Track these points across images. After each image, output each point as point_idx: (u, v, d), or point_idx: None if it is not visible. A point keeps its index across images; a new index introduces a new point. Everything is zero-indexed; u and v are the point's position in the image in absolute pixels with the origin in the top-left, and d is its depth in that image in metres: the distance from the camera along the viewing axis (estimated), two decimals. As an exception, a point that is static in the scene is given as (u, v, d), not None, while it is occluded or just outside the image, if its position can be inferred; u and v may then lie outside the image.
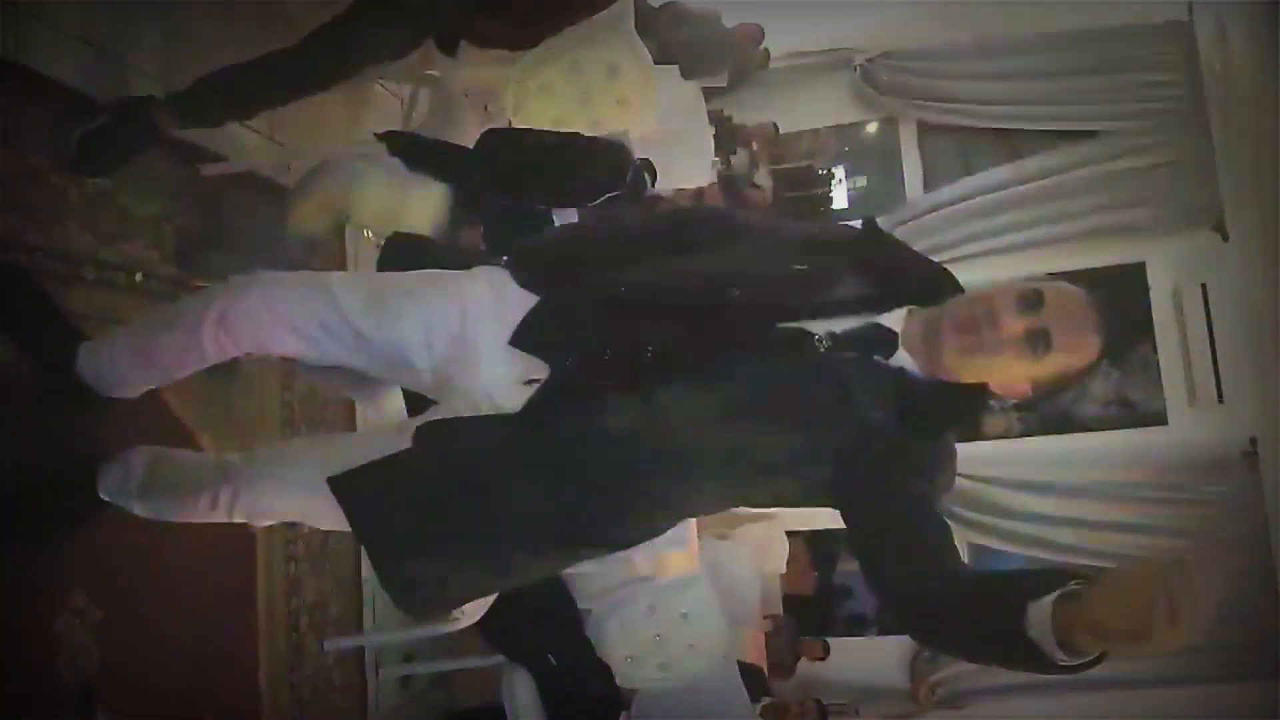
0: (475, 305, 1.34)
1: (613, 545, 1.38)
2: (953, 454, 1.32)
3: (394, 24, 1.96)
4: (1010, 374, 1.23)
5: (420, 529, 1.29)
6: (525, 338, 1.30)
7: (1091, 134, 4.18)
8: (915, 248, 1.46)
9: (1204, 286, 3.99)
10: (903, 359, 1.27)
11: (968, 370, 1.24)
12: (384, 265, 1.48)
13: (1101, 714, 3.98)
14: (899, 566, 1.20)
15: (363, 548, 1.36)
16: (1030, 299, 1.21)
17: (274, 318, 1.36)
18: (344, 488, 1.31)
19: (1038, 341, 1.20)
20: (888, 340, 1.26)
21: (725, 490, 1.35)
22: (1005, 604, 1.05)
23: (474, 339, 1.32)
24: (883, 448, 1.23)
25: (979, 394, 1.27)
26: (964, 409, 1.30)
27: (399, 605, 1.38)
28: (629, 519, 1.33)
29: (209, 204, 2.01)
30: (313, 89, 1.90)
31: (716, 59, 3.98)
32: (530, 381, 1.29)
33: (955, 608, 1.13)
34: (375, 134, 2.09)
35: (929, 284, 1.31)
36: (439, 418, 1.33)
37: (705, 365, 1.25)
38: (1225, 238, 3.97)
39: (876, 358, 1.26)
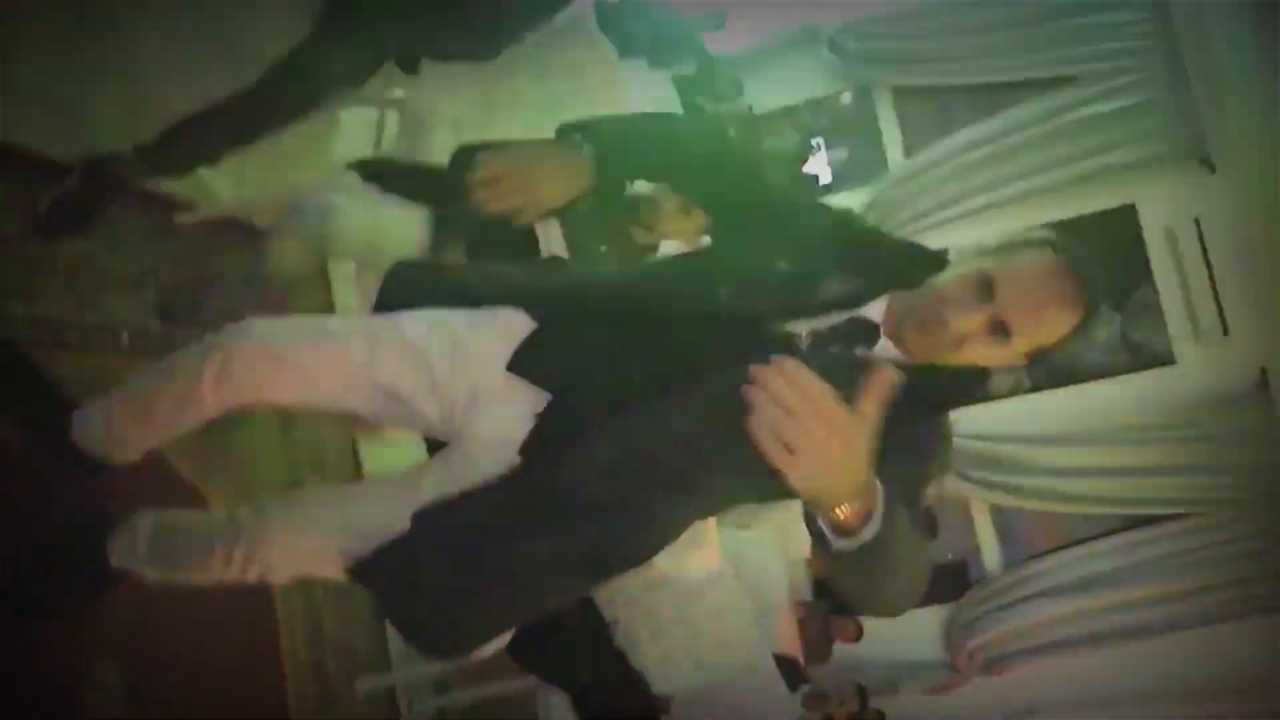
0: (476, 349, 1.35)
1: (636, 563, 1.39)
2: (947, 438, 1.31)
3: (353, 48, 1.96)
4: (984, 359, 1.23)
5: (443, 595, 1.31)
6: (522, 363, 1.31)
7: (1066, 80, 4.17)
8: (901, 214, 1.46)
9: (1197, 221, 3.98)
10: (887, 347, 1.26)
11: (942, 360, 1.24)
12: (384, 302, 1.45)
13: (1142, 665, 3.99)
14: None
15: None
16: (980, 288, 1.19)
17: (275, 367, 1.36)
18: (366, 574, 1.33)
19: (996, 330, 1.19)
20: (869, 332, 1.26)
21: (735, 492, 1.37)
22: None
23: (477, 379, 1.33)
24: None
25: (969, 371, 1.26)
26: (957, 389, 1.29)
27: (425, 655, 1.39)
28: (646, 538, 1.34)
29: (188, 254, 2.00)
30: (280, 124, 1.90)
31: (681, 49, 3.96)
32: (537, 413, 1.30)
33: None
34: (347, 163, 2.09)
35: (908, 266, 1.30)
36: (435, 498, 1.32)
37: (690, 380, 1.24)
38: (1212, 170, 3.96)
39: (859, 350, 1.25)
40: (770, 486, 1.36)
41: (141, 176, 1.79)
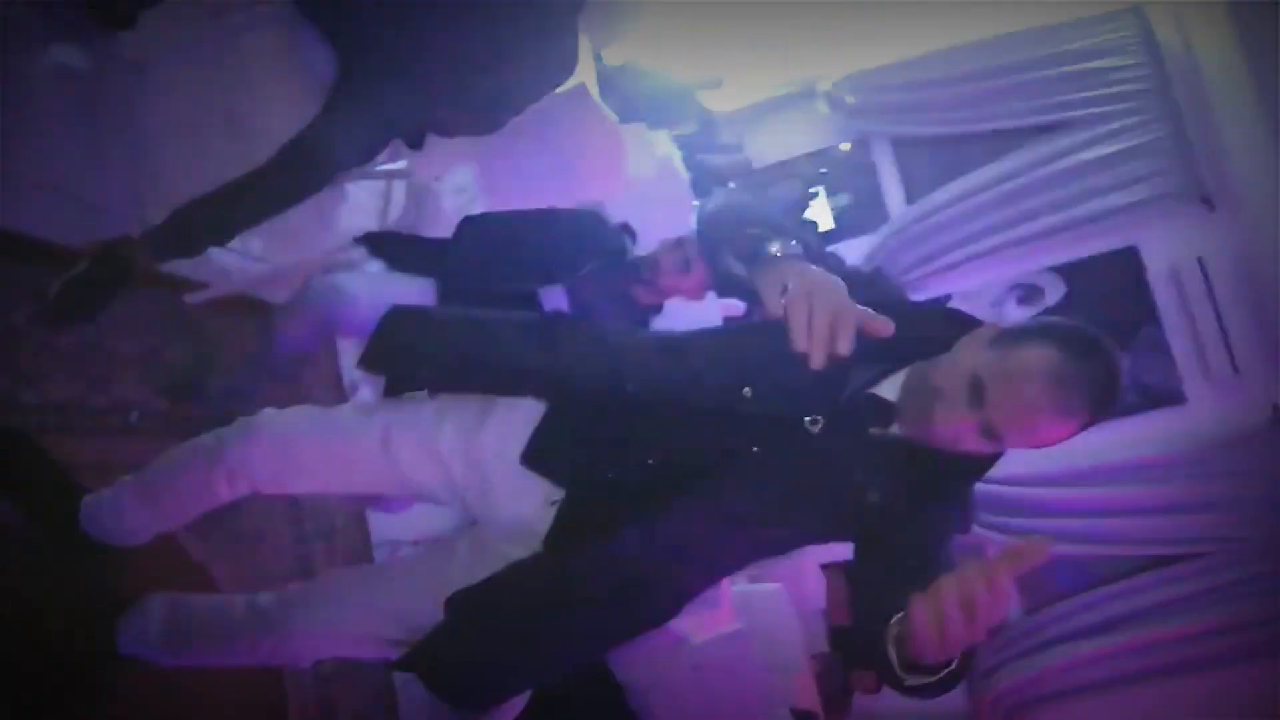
0: (489, 440, 1.34)
1: (663, 623, 1.39)
2: (968, 504, 1.28)
3: (361, 127, 1.97)
4: (983, 450, 1.17)
5: (482, 669, 1.33)
6: (535, 457, 1.30)
7: (1065, 125, 4.18)
8: (905, 259, 1.43)
9: (1200, 260, 3.96)
10: (899, 427, 1.21)
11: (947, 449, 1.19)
12: (378, 352, 1.41)
13: (1165, 706, 3.89)
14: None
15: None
16: (972, 392, 1.13)
17: (288, 464, 1.37)
18: (417, 666, 1.34)
19: (987, 434, 1.13)
20: (885, 411, 1.21)
21: (751, 559, 1.41)
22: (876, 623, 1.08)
23: (489, 470, 1.33)
24: (895, 516, 1.20)
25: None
26: (972, 470, 1.24)
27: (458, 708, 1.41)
28: (664, 608, 1.36)
29: (196, 332, 2.00)
30: (288, 204, 1.90)
31: (680, 109, 4.00)
32: (555, 502, 1.29)
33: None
34: (355, 239, 2.09)
35: (933, 335, 1.24)
36: (460, 580, 1.32)
37: (704, 471, 1.24)
38: (1212, 208, 3.95)
39: (873, 430, 1.22)
40: (791, 548, 1.38)
41: (151, 260, 1.79)
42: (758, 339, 1.31)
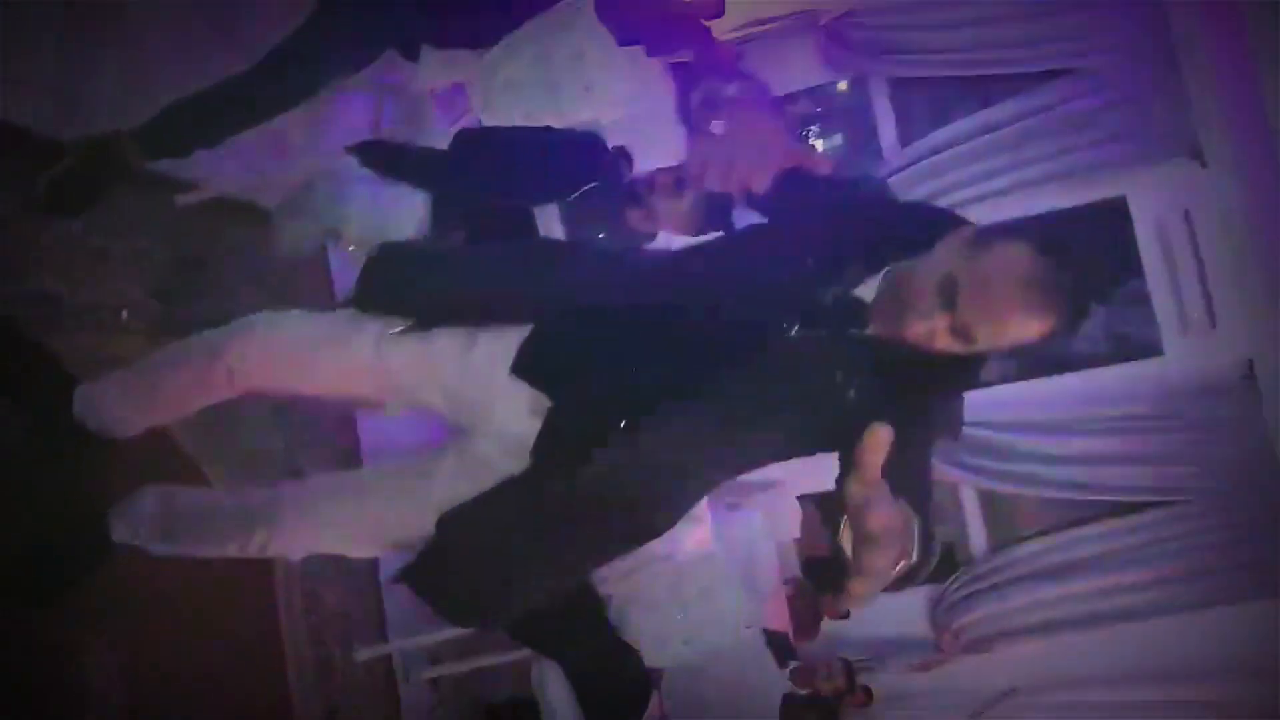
0: (479, 347, 1.34)
1: (653, 538, 1.41)
2: (954, 404, 1.29)
3: (355, 34, 1.93)
4: (959, 350, 1.17)
5: (477, 585, 1.37)
6: (524, 366, 1.31)
7: (1060, 73, 4.13)
8: None
9: (1187, 214, 3.95)
10: (875, 328, 1.22)
11: (924, 348, 1.19)
12: (368, 291, 1.42)
13: (1124, 647, 3.99)
14: None
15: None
16: (945, 292, 1.13)
17: (287, 361, 1.38)
18: (413, 580, 1.36)
19: (959, 334, 1.14)
20: (860, 311, 1.22)
21: (735, 471, 1.42)
22: None
23: (481, 380, 1.33)
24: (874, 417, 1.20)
25: (959, 359, 1.20)
26: (949, 372, 1.24)
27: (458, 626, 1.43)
28: (651, 523, 1.38)
29: (186, 234, 1.98)
30: (280, 108, 1.87)
31: (679, 37, 3.91)
32: (541, 411, 1.30)
33: None
34: (346, 147, 2.06)
35: (916, 235, 1.23)
36: (456, 507, 1.33)
37: (688, 380, 1.24)
38: (1204, 164, 3.92)
39: (851, 331, 1.22)
40: (775, 457, 1.39)
41: (139, 158, 1.77)
42: (738, 249, 1.31)
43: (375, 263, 1.39)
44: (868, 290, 1.23)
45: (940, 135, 4.22)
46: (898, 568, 0.95)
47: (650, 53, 3.51)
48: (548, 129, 2.07)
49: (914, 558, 0.99)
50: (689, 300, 1.28)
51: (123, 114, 1.84)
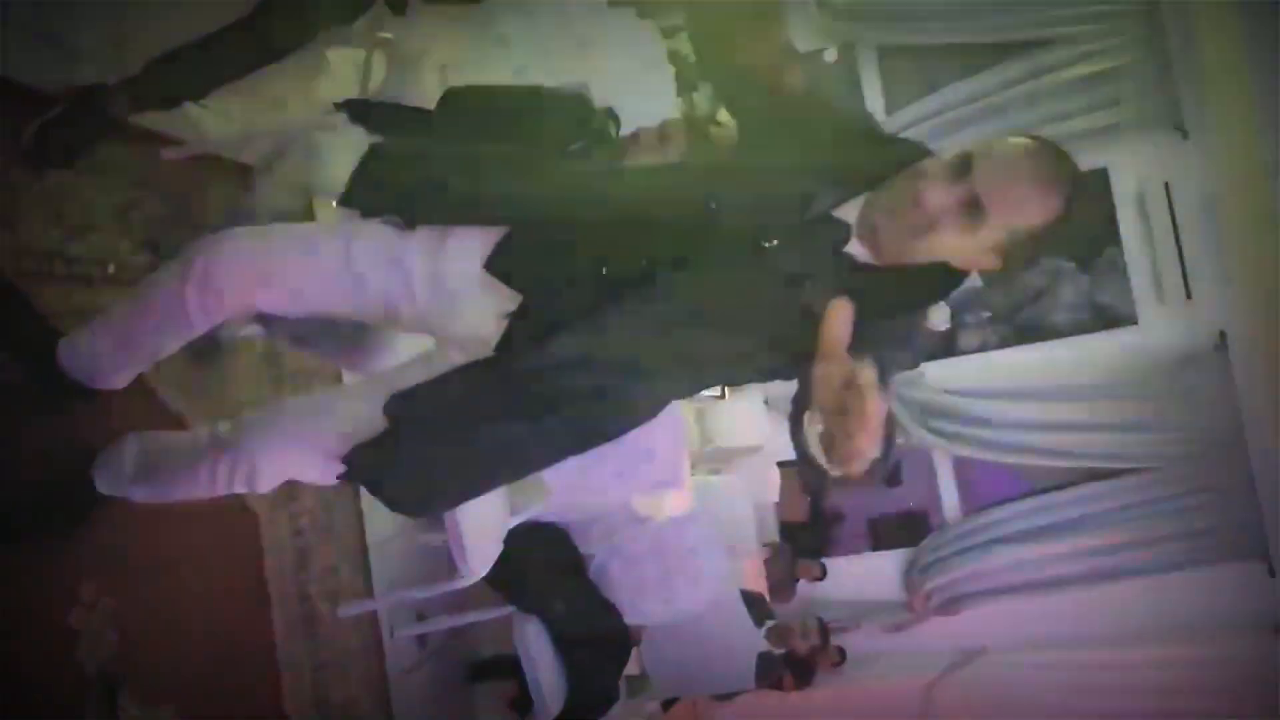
0: (452, 247, 1.33)
1: (605, 441, 1.41)
2: (914, 333, 1.29)
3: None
4: (956, 249, 1.18)
5: (422, 465, 1.35)
6: (498, 263, 1.31)
7: (1046, 43, 4.13)
8: None
9: (1167, 186, 3.99)
10: (856, 249, 1.24)
11: (912, 254, 1.20)
12: (359, 188, 1.40)
13: (1091, 609, 4.09)
14: None
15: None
16: (957, 166, 1.15)
17: (256, 269, 1.34)
18: (356, 467, 1.35)
19: (971, 210, 1.15)
20: (840, 231, 1.23)
21: (699, 382, 1.45)
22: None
23: (448, 282, 1.33)
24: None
25: (937, 272, 1.22)
26: (922, 290, 1.25)
27: (401, 514, 1.48)
28: (606, 423, 1.38)
29: (174, 188, 1.96)
30: (267, 60, 1.85)
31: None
32: (509, 314, 1.30)
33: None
34: (334, 103, 2.04)
35: (890, 162, 1.25)
36: (407, 386, 1.34)
37: (655, 280, 1.25)
38: (1185, 136, 3.96)
39: (832, 249, 1.23)
40: (739, 374, 1.40)
41: (126, 109, 1.74)
42: (721, 165, 1.32)
43: (369, 159, 1.38)
44: (847, 211, 1.24)
45: (926, 104, 4.22)
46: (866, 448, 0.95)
47: (640, 15, 3.48)
48: (535, 87, 2.05)
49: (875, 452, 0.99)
50: (667, 208, 1.29)
51: (110, 64, 1.81)
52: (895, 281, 1.23)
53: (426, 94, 2.23)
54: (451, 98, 2.04)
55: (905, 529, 4.71)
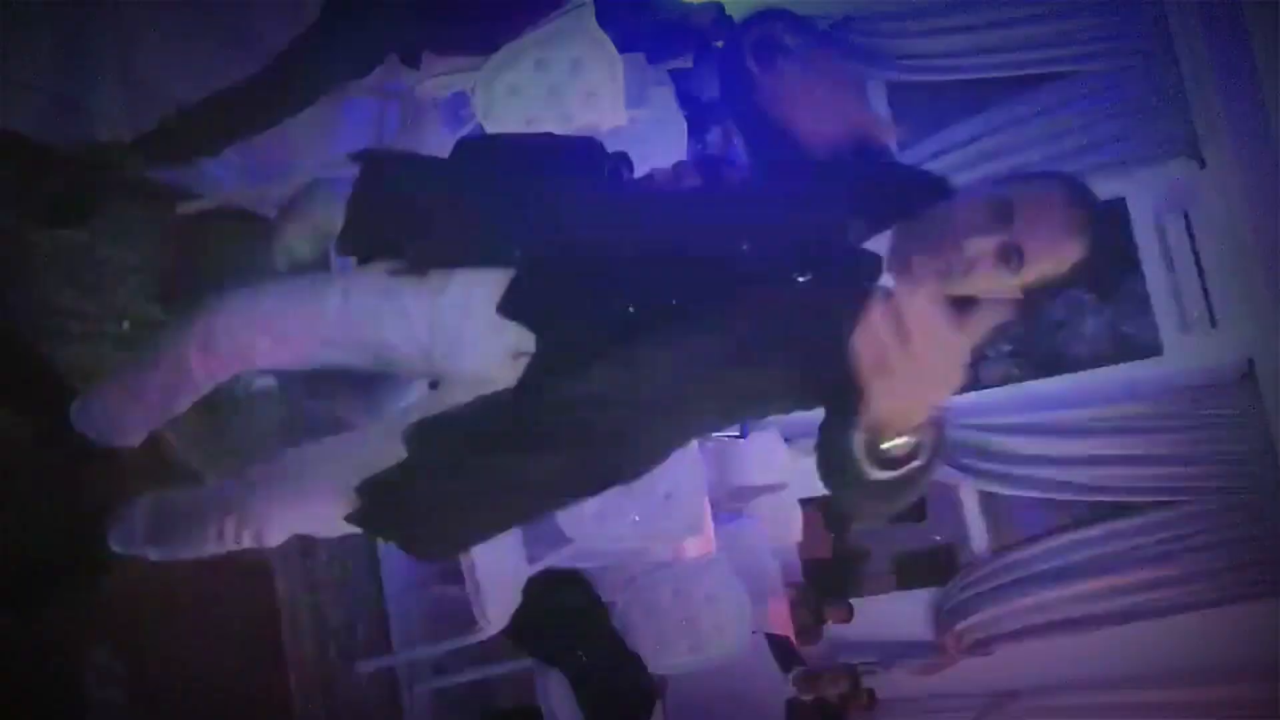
0: (450, 293, 1.30)
1: (624, 481, 1.36)
2: None
3: (356, 41, 1.91)
4: (987, 290, 1.18)
5: (434, 506, 1.31)
6: (512, 304, 1.27)
7: (1058, 76, 4.12)
8: None
9: (1186, 215, 3.94)
10: (888, 282, 1.21)
11: (948, 291, 1.17)
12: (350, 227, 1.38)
13: (1121, 648, 3.97)
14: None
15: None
16: (998, 212, 1.15)
17: (256, 328, 1.33)
18: (364, 517, 1.31)
19: (1011, 257, 1.15)
20: (871, 266, 1.21)
21: (725, 418, 1.41)
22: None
23: (454, 325, 1.29)
24: None
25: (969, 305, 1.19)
26: None
27: (415, 559, 1.43)
28: (629, 461, 1.33)
29: (190, 243, 1.96)
30: (281, 115, 1.85)
31: (680, 43, 3.90)
32: (520, 355, 1.26)
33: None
34: (349, 155, 2.04)
35: (914, 195, 1.25)
36: (426, 416, 1.30)
37: (685, 317, 1.22)
38: (1202, 164, 3.91)
39: (864, 284, 1.20)
40: (767, 409, 1.36)
41: (141, 167, 1.75)
42: (750, 195, 1.29)
43: (359, 202, 1.35)
44: (878, 246, 1.22)
45: (938, 140, 4.21)
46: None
47: (651, 61, 3.50)
48: (548, 135, 2.04)
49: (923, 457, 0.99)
50: (693, 240, 1.26)
51: (125, 121, 1.82)
52: None
53: (440, 143, 2.23)
54: (465, 147, 2.03)
55: (932, 565, 4.61)
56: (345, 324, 1.31)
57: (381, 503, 1.30)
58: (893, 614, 4.32)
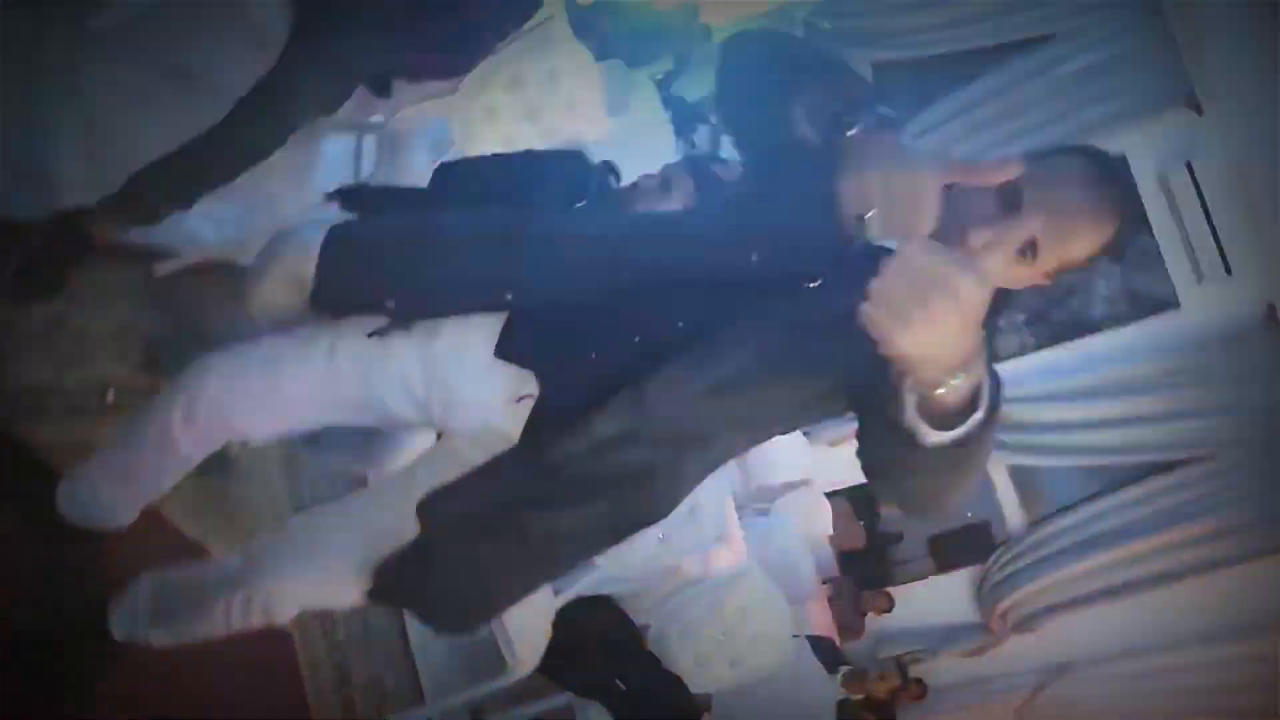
0: (441, 341, 1.20)
1: (654, 521, 1.25)
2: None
3: (322, 74, 1.82)
4: (1004, 279, 1.08)
5: (458, 579, 1.21)
6: (508, 347, 1.17)
7: (1044, 39, 3.99)
8: None
9: (1189, 165, 3.80)
10: None
11: None
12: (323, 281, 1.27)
13: (1164, 612, 3.85)
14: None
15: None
16: (1008, 199, 1.04)
17: (238, 399, 1.24)
18: (384, 593, 1.21)
19: (1025, 251, 1.05)
20: (882, 262, 1.10)
21: (753, 439, 1.28)
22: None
23: (448, 373, 1.20)
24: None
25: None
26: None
27: (445, 637, 1.28)
28: (664, 497, 1.22)
29: (170, 303, 1.86)
30: (251, 159, 1.75)
31: (657, 45, 3.81)
32: (522, 398, 1.16)
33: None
34: (325, 194, 1.94)
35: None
36: (436, 487, 1.19)
37: (695, 342, 1.12)
38: (1200, 112, 3.77)
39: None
40: (792, 424, 1.25)
41: (112, 230, 1.65)
42: (759, 202, 1.17)
43: (330, 249, 1.24)
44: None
45: (928, 116, 4.09)
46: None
47: (630, 65, 3.40)
48: (530, 152, 1.94)
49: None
50: (694, 257, 1.16)
51: (90, 185, 1.72)
52: None
53: (420, 174, 2.13)
54: (444, 172, 1.94)
55: (968, 544, 4.48)
56: (335, 384, 1.22)
57: (400, 577, 1.20)
58: (934, 598, 4.21)
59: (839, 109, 1.11)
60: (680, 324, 1.13)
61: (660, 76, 4.03)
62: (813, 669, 2.89)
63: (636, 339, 1.14)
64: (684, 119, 4.01)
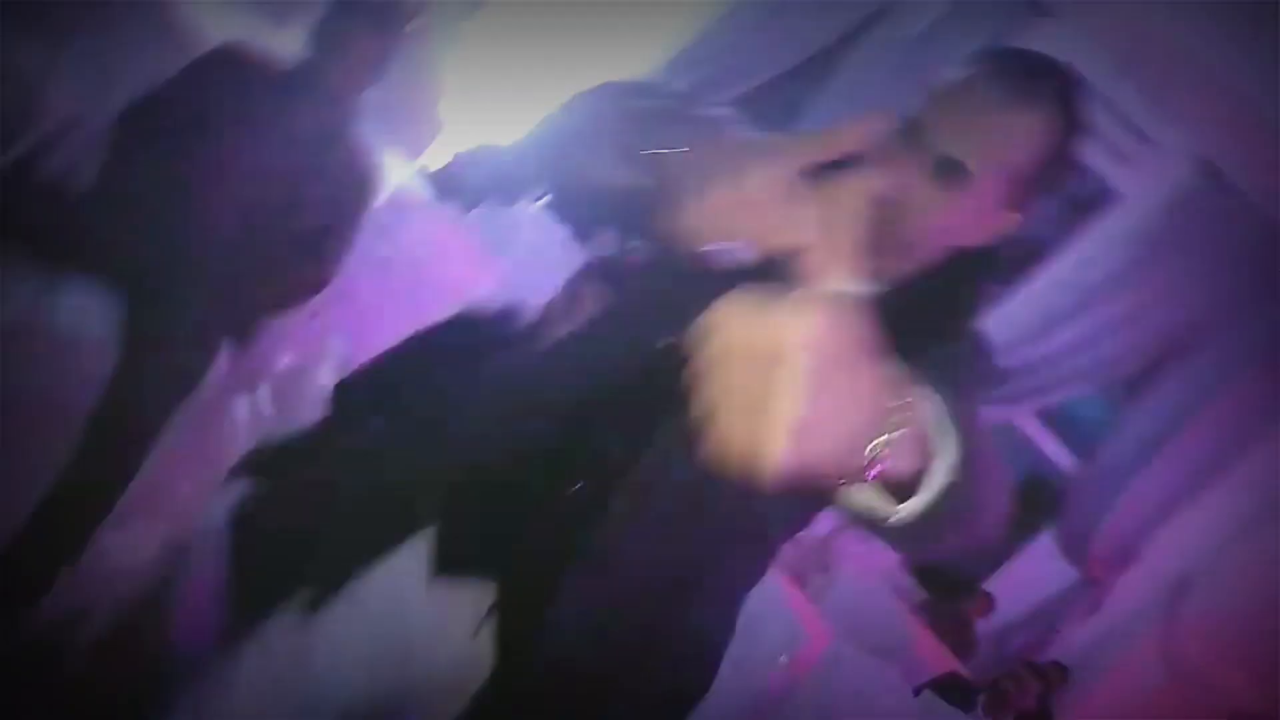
0: (371, 594, 0.96)
1: (700, 692, 0.99)
2: (972, 352, 0.99)
3: (168, 357, 1.61)
4: (958, 225, 0.90)
5: None
6: (447, 561, 0.94)
7: (880, 13, 3.92)
8: None
9: (1068, 64, 3.69)
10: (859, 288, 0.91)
11: (909, 255, 0.92)
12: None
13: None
14: None
15: None
16: (910, 130, 0.86)
17: None
18: None
19: (946, 171, 0.85)
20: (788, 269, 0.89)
21: (767, 551, 1.03)
22: None
23: (394, 625, 0.96)
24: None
25: (963, 263, 0.93)
26: (957, 287, 0.97)
27: None
28: (692, 666, 0.98)
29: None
30: (123, 482, 1.52)
31: (528, 176, 3.69)
32: (489, 614, 0.92)
33: None
34: (230, 471, 1.71)
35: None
36: None
37: (641, 460, 0.91)
38: (1044, 12, 3.68)
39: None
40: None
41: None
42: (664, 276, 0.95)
43: (236, 549, 1.03)
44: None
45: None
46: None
47: (504, 203, 3.24)
48: (415, 337, 1.73)
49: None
50: (614, 363, 0.96)
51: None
52: (921, 295, 0.91)
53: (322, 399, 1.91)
54: (341, 392, 1.72)
55: (1035, 505, 4.22)
56: (270, 686, 0.97)
57: None
58: (1028, 574, 3.91)
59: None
60: (616, 448, 0.92)
61: (543, 196, 3.90)
62: (950, 715, 2.55)
63: (580, 484, 0.92)
64: (582, 224, 3.87)
